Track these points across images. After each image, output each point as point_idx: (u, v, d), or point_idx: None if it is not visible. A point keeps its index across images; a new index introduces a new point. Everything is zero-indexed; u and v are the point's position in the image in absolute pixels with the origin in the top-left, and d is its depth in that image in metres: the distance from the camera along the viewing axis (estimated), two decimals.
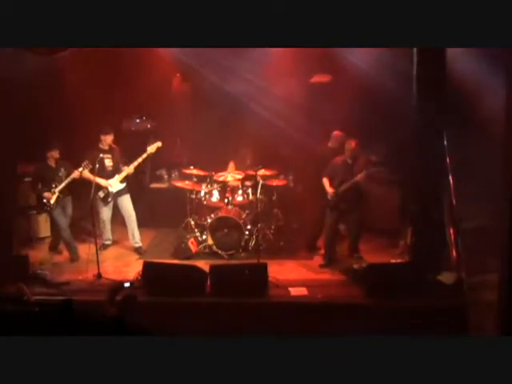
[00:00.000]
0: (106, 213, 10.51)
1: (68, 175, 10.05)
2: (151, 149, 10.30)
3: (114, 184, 10.33)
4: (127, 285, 8.83)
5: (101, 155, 10.01)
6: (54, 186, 10.04)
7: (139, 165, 10.39)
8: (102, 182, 10.23)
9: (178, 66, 12.08)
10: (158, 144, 10.35)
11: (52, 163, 10.11)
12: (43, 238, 11.17)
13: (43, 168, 10.17)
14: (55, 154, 10.09)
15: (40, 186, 10.12)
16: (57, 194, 10.05)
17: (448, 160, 9.67)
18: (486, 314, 8.24)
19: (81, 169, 9.92)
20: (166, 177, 12.22)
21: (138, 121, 12.43)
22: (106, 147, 10.39)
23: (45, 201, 10.06)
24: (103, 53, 9.73)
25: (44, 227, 11.23)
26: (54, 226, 10.55)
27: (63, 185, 10.04)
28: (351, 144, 9.67)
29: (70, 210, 10.35)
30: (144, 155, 10.29)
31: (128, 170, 10.29)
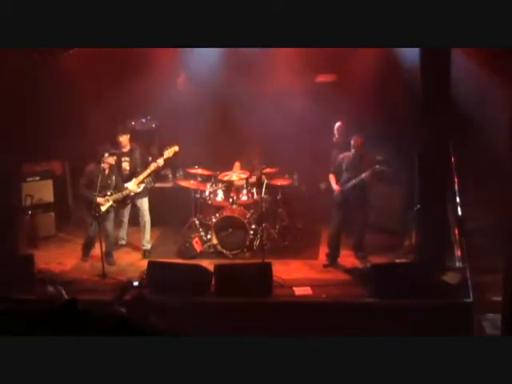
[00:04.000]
0: (124, 214, 10.50)
1: (117, 184, 9.86)
2: (168, 153, 10.17)
3: (132, 187, 10.18)
4: (136, 284, 8.86)
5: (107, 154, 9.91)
6: (109, 193, 9.79)
7: (155, 169, 10.27)
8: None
9: (183, 66, 12.09)
10: (175, 148, 10.20)
11: (106, 169, 9.83)
12: (48, 238, 11.18)
13: (95, 171, 9.82)
14: (112, 160, 9.83)
15: (92, 190, 9.75)
16: (110, 202, 9.83)
17: (453, 160, 9.67)
18: (490, 313, 8.24)
19: (141, 187, 9.98)
20: (170, 176, 12.21)
21: (143, 121, 12.43)
22: (125, 149, 10.32)
23: (95, 206, 9.70)
24: (106, 53, 9.77)
25: (48, 226, 11.25)
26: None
27: (119, 196, 9.86)
28: (357, 141, 9.67)
29: (111, 215, 10.05)
30: (160, 160, 10.17)
31: (143, 175, 10.10)
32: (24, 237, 10.36)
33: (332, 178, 9.83)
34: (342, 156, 9.90)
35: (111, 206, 9.89)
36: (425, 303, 8.59)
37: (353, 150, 9.69)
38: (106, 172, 9.85)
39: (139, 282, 8.99)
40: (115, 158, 9.92)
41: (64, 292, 7.20)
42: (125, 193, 9.92)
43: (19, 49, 9.11)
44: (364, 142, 9.65)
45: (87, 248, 10.23)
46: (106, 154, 9.72)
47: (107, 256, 9.96)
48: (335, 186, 9.74)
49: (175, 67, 12.10)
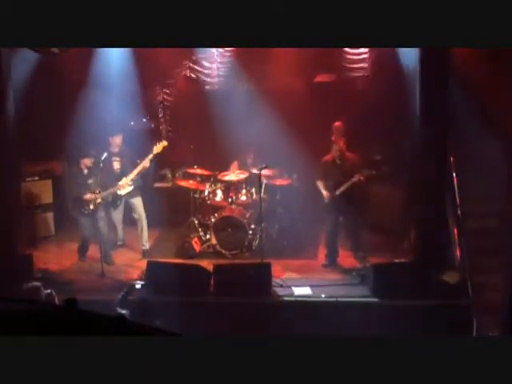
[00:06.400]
0: (115, 215, 10.47)
1: (100, 181, 9.86)
2: (157, 149, 10.15)
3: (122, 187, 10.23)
4: (138, 286, 8.87)
5: (105, 154, 9.93)
6: (97, 191, 9.82)
7: (145, 167, 10.22)
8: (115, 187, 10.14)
9: (183, 66, 12.10)
10: (164, 143, 10.19)
11: (83, 169, 9.89)
12: (47, 237, 11.18)
13: (76, 173, 9.96)
14: (88, 162, 9.88)
15: (77, 190, 9.89)
16: (99, 200, 9.87)
17: (452, 159, 9.68)
18: (490, 313, 8.24)
19: (131, 186, 9.99)
20: (169, 176, 12.22)
21: (143, 120, 12.43)
22: (116, 149, 10.29)
23: (86, 202, 9.82)
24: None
25: (48, 226, 11.25)
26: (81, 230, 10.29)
27: (107, 193, 9.90)
28: (339, 144, 9.67)
29: (102, 214, 10.13)
30: (150, 156, 10.13)
31: (134, 173, 10.12)
32: (23, 237, 10.34)
33: (320, 184, 9.79)
34: (323, 160, 9.84)
35: (99, 203, 9.90)
36: (424, 303, 8.60)
37: (335, 154, 9.63)
38: (85, 172, 9.90)
39: (141, 284, 8.98)
40: (92, 160, 9.91)
41: (56, 297, 7.21)
42: (112, 190, 9.92)
43: (19, 48, 9.16)
44: (345, 145, 9.65)
45: (83, 250, 10.26)
46: (83, 159, 9.83)
47: (105, 256, 9.97)
48: (325, 192, 9.71)
49: (175, 67, 12.11)
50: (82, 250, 10.26)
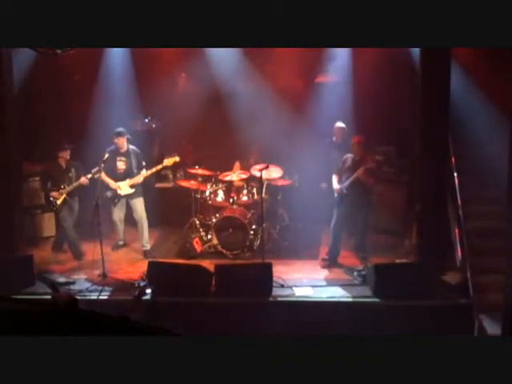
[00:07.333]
0: (116, 214, 10.47)
1: (78, 177, 10.00)
2: (168, 162, 10.19)
3: (124, 187, 10.23)
4: (149, 290, 8.88)
5: (106, 155, 9.95)
6: (62, 187, 10.00)
7: (151, 174, 10.35)
8: (111, 183, 10.17)
9: (184, 66, 12.10)
10: (176, 159, 10.23)
11: (62, 163, 10.06)
12: (48, 238, 11.18)
13: (53, 168, 10.12)
14: (66, 154, 10.04)
15: (49, 185, 10.10)
16: (64, 195, 10.01)
17: (453, 160, 9.68)
18: (491, 313, 8.24)
19: (89, 175, 9.88)
20: (171, 176, 12.21)
21: (146, 121, 12.43)
22: (122, 150, 10.28)
23: (51, 200, 10.08)
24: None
25: (49, 226, 11.24)
26: (59, 225, 10.51)
27: (71, 188, 10.00)
28: (355, 139, 9.69)
29: (76, 211, 10.30)
30: (159, 166, 10.22)
31: (137, 178, 10.18)
32: (24, 237, 10.35)
33: (334, 179, 9.83)
34: (345, 157, 9.90)
35: (65, 198, 10.06)
36: (425, 303, 8.60)
37: (353, 149, 9.69)
38: (64, 166, 10.06)
39: (152, 289, 8.96)
40: (69, 151, 10.08)
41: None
42: (75, 184, 10.00)
43: (19, 48, 9.16)
44: (362, 141, 9.63)
45: (73, 248, 10.31)
46: (61, 153, 10.00)
47: (73, 249, 10.26)
48: (336, 186, 9.75)
49: (176, 67, 12.11)
50: (73, 249, 10.31)
